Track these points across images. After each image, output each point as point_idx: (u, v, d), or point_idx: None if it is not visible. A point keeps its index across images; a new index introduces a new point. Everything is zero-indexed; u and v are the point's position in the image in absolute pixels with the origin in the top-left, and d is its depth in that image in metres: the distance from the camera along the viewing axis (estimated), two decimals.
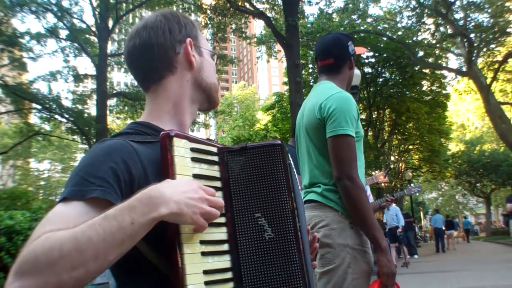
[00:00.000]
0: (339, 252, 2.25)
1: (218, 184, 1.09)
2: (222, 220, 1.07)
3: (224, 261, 1.05)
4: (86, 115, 23.06)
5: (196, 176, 1.05)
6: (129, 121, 36.33)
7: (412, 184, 8.21)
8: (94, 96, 23.43)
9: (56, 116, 22.27)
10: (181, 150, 1.03)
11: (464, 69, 23.08)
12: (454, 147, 44.41)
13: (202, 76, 1.30)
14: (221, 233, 1.07)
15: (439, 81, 28.11)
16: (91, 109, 25.02)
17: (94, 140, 21.75)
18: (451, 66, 25.40)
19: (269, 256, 1.06)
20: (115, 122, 37.84)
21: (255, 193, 1.09)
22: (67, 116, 21.95)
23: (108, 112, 24.08)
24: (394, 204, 20.04)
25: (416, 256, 19.45)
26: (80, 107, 23.63)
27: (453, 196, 58.13)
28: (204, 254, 1.00)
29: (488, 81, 22.58)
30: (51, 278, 0.82)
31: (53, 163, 46.86)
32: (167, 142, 1.02)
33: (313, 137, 2.41)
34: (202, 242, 1.01)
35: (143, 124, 1.22)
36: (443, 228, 24.68)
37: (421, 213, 53.16)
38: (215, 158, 1.12)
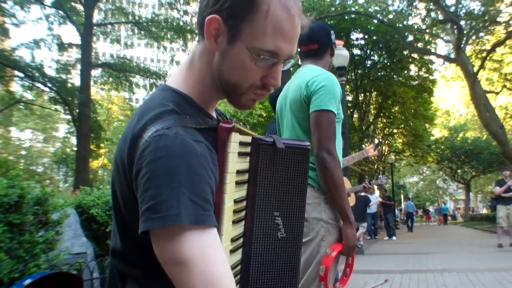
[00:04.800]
0: (313, 226, 2.35)
1: (246, 176, 1.05)
2: (242, 215, 1.05)
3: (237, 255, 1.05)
4: (69, 85, 22.73)
5: (238, 172, 0.99)
6: (113, 92, 35.80)
7: (381, 176, 8.92)
8: (78, 66, 23.09)
9: (39, 85, 21.92)
10: (233, 145, 0.97)
11: (452, 55, 23.10)
12: (437, 132, 44.89)
13: (221, 67, 1.02)
14: (239, 228, 1.05)
15: (427, 66, 28.21)
16: (75, 79, 24.69)
17: (77, 110, 21.41)
18: (440, 52, 25.42)
19: (278, 255, 1.09)
20: (99, 93, 37.39)
21: (278, 191, 1.08)
22: (50, 85, 21.60)
23: (92, 82, 23.79)
24: (377, 193, 20.56)
25: (394, 238, 19.77)
26: (63, 76, 23.28)
27: (434, 181, 59.07)
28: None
29: (475, 69, 22.68)
30: None
31: (34, 132, 46.27)
32: (226, 137, 0.95)
33: (297, 115, 2.49)
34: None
35: (186, 99, 1.04)
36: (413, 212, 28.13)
37: (402, 196, 53.87)
38: (248, 149, 1.04)
